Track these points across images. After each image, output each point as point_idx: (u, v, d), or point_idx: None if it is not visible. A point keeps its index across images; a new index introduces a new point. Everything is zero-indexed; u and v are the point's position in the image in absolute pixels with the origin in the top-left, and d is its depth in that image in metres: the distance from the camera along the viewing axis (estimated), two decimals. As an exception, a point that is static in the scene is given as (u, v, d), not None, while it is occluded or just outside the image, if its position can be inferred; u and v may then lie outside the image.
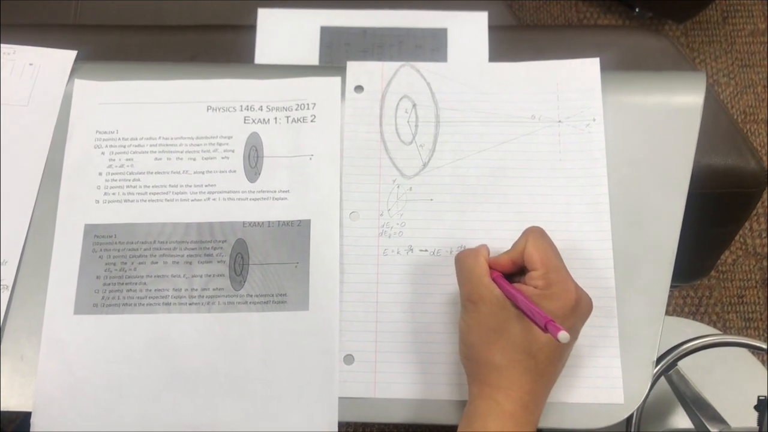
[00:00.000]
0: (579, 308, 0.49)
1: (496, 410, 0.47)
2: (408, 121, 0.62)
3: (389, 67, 0.64)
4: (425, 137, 0.61)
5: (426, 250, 0.58)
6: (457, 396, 0.55)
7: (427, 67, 0.64)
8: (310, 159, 0.60)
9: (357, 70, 0.64)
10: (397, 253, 0.58)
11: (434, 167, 0.60)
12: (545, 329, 0.45)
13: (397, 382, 0.55)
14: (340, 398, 0.55)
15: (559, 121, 0.61)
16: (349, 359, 0.56)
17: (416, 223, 0.59)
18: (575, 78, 0.62)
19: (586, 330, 0.54)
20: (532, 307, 0.47)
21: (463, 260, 0.52)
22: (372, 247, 0.58)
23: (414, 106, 0.62)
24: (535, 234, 0.51)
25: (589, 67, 0.63)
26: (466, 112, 0.62)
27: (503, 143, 0.61)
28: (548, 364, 0.49)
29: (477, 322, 0.49)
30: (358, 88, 0.63)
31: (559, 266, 0.50)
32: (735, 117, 1.48)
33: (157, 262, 0.58)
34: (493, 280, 0.50)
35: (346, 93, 0.63)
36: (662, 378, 0.78)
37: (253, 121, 0.62)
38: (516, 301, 0.48)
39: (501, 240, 0.56)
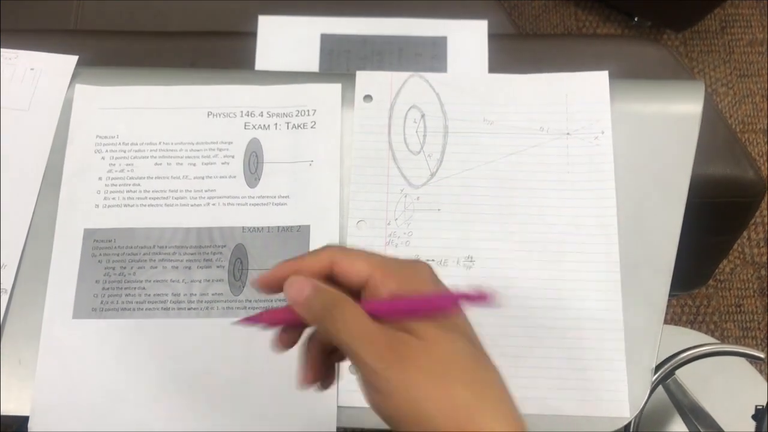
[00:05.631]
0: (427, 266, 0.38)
1: None
2: (416, 131, 0.62)
3: (398, 77, 0.64)
4: (433, 147, 0.61)
5: (433, 260, 0.58)
6: None
7: (436, 77, 0.64)
8: (310, 165, 0.61)
9: (366, 79, 0.64)
10: None
11: (442, 177, 0.60)
12: (470, 301, 0.36)
13: None
14: (344, 407, 0.54)
15: (568, 134, 0.61)
16: (354, 368, 0.55)
17: (423, 232, 0.59)
18: (584, 90, 0.62)
19: (593, 342, 0.55)
20: (430, 298, 0.37)
21: (325, 310, 0.36)
22: None
23: (423, 116, 0.62)
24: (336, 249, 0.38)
25: (598, 79, 0.63)
26: (475, 123, 0.62)
27: (511, 155, 0.61)
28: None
29: (398, 383, 0.34)
30: (367, 98, 0.63)
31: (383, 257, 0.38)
32: (733, 126, 1.48)
33: (156, 267, 0.58)
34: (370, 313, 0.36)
35: (355, 102, 0.63)
36: (660, 387, 0.79)
37: (254, 126, 0.62)
38: (409, 311, 0.36)
39: (508, 251, 0.56)
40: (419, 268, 0.37)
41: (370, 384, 0.35)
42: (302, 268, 0.37)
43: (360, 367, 0.35)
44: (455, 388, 0.34)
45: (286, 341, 0.39)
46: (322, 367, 0.40)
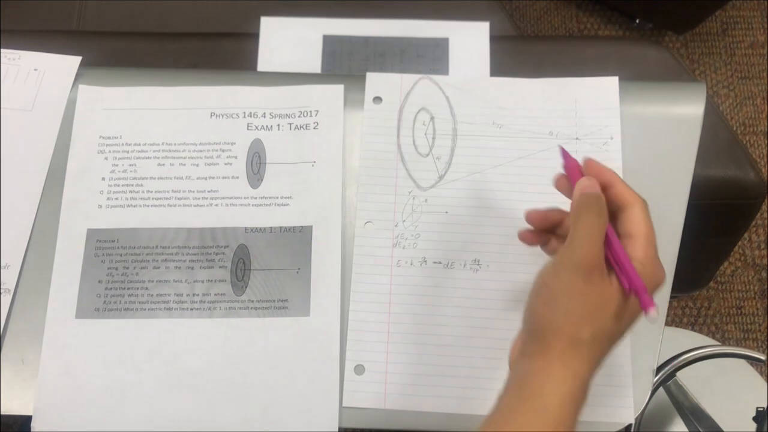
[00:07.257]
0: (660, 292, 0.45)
1: (564, 387, 0.43)
2: (425, 134, 0.62)
3: (408, 79, 0.64)
4: (442, 150, 0.61)
5: (440, 263, 0.58)
6: (467, 409, 0.55)
7: (445, 80, 0.64)
8: (313, 166, 0.61)
9: (376, 81, 0.64)
10: (411, 264, 0.58)
11: (450, 180, 0.61)
12: (640, 299, 0.42)
13: (408, 393, 0.55)
14: (349, 408, 0.55)
15: (577, 138, 0.61)
16: (359, 369, 0.56)
17: (431, 235, 0.59)
18: (594, 96, 0.62)
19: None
20: (634, 275, 0.43)
21: (592, 211, 0.45)
22: (386, 258, 0.58)
23: (432, 118, 0.62)
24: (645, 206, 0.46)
25: (608, 85, 0.63)
26: (484, 126, 0.62)
27: (520, 158, 0.61)
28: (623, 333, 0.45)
29: (582, 292, 0.43)
30: (377, 99, 0.63)
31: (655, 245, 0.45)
32: (734, 128, 1.49)
33: (159, 267, 0.58)
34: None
35: (364, 104, 0.63)
36: (661, 388, 0.79)
37: (256, 127, 0.62)
38: (620, 261, 0.43)
39: (514, 255, 0.56)
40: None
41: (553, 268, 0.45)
42: (592, 171, 0.48)
43: (561, 256, 0.44)
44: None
45: (530, 240, 0.52)
46: (543, 238, 0.52)
